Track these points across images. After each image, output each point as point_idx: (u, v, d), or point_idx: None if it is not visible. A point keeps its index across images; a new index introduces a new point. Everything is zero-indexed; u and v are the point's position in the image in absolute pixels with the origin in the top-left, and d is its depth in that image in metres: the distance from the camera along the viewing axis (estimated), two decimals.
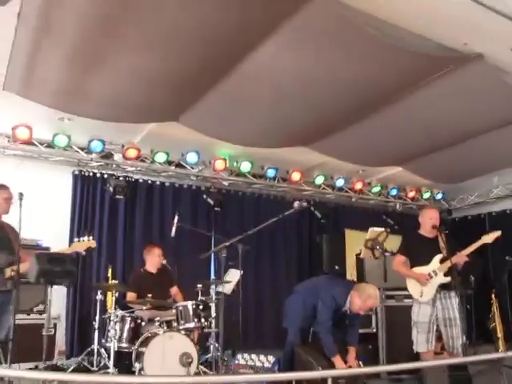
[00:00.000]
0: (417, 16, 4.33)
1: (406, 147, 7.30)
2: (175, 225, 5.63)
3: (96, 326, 5.22)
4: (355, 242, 8.71)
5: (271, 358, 3.92)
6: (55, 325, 5.54)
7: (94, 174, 6.82)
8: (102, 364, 5.03)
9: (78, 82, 5.01)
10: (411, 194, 8.85)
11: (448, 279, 4.70)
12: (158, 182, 7.30)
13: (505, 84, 5.26)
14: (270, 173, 7.47)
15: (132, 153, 6.42)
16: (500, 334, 5.71)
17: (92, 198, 6.77)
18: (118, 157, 6.53)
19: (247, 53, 4.81)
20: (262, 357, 3.99)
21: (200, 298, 5.23)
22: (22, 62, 4.68)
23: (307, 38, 4.57)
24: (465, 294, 5.11)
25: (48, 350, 4.69)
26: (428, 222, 4.94)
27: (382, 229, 4.52)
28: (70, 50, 4.53)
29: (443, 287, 4.78)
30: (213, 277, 5.93)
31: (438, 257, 4.80)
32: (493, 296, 6.00)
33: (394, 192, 8.69)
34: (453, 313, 4.73)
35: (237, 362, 4.15)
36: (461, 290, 4.51)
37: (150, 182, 7.23)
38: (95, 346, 5.17)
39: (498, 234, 4.76)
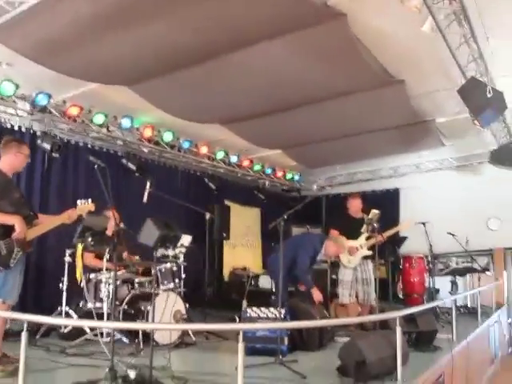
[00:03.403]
0: (385, 49, 5.53)
1: (296, 139, 8.61)
2: (147, 191, 5.74)
3: (64, 287, 5.11)
4: (236, 213, 9.76)
5: (281, 310, 4.69)
6: None
7: (13, 126, 6.25)
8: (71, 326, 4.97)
9: (71, 40, 4.81)
10: (279, 174, 10.22)
11: (370, 252, 6.17)
12: (72, 142, 7.02)
13: (409, 108, 6.94)
14: (185, 144, 7.89)
15: (74, 110, 6.14)
16: None
17: None
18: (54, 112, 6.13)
19: (237, 48, 5.35)
20: (272, 309, 4.75)
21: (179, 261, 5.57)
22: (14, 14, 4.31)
23: (304, 49, 5.37)
24: (390, 261, 6.61)
25: None
26: (354, 208, 6.33)
27: (378, 211, 5.68)
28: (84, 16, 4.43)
29: (364, 257, 6.23)
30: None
31: (365, 235, 6.20)
32: None
33: (268, 171, 9.93)
34: (369, 274, 6.24)
35: (248, 314, 4.79)
36: (388, 257, 6.03)
37: (65, 140, 6.89)
38: (64, 308, 5.08)
39: (410, 223, 6.42)
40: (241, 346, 2.91)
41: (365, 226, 5.81)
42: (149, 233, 3.65)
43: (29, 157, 4.19)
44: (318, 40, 5.22)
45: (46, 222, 4.11)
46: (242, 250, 10.21)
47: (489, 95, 5.20)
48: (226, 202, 9.61)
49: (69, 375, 3.78)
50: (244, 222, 10.26)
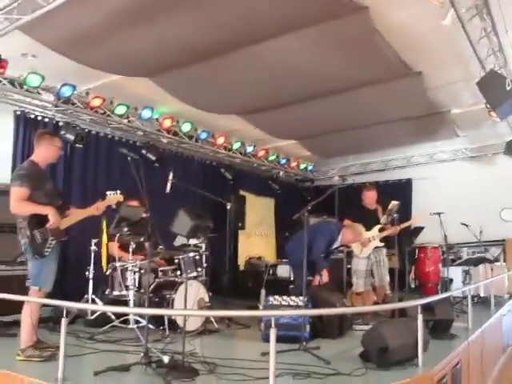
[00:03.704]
0: (405, 41, 5.56)
1: (311, 129, 8.68)
2: (170, 181, 5.85)
3: (90, 276, 5.26)
4: (251, 203, 9.88)
5: (302, 298, 4.83)
6: None
7: (36, 116, 6.39)
8: (99, 313, 5.12)
9: (97, 34, 4.93)
10: (293, 164, 10.31)
11: (382, 244, 6.28)
12: (93, 132, 7.15)
13: (425, 99, 6.99)
14: (203, 135, 7.99)
15: (97, 102, 6.26)
16: None
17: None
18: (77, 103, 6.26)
19: (259, 41, 5.41)
20: (294, 297, 4.89)
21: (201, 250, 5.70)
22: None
23: (324, 41, 5.43)
24: (406, 251, 6.70)
25: None
26: (368, 199, 6.40)
27: (398, 202, 5.81)
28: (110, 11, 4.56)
29: (376, 247, 6.34)
30: None
31: (378, 226, 6.29)
32: None
33: (283, 161, 10.02)
34: (382, 257, 6.35)
35: (270, 303, 4.93)
36: (403, 248, 6.14)
37: (86, 130, 7.02)
38: (90, 296, 5.24)
39: (423, 216, 6.50)
40: (273, 331, 3.02)
41: (384, 217, 5.92)
42: (182, 223, 3.77)
43: (61, 149, 4.31)
44: (339, 32, 5.28)
45: (77, 213, 4.25)
46: (257, 239, 10.35)
47: (508, 88, 5.25)
48: (241, 192, 9.72)
49: (102, 360, 3.92)
50: (258, 212, 10.38)
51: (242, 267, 9.37)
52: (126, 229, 3.94)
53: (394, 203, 5.81)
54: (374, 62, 5.93)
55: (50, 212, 3.92)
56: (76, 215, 4.22)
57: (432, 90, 6.94)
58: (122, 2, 4.48)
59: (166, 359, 3.45)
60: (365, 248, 6.29)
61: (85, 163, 7.01)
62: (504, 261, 9.31)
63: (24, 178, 3.91)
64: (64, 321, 3.24)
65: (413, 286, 8.35)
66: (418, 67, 6.29)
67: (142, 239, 4.76)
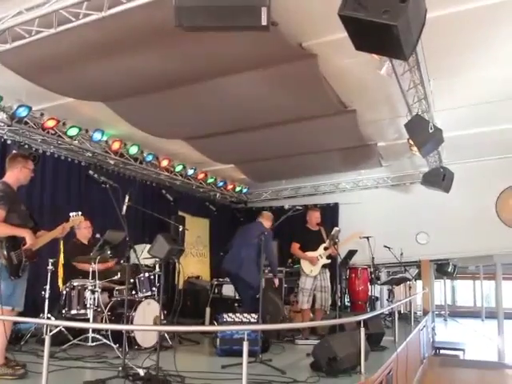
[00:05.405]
0: (345, 83, 6.28)
1: (249, 155, 9.22)
2: (126, 203, 6.01)
3: (47, 295, 5.33)
4: (188, 223, 10.15)
5: (254, 315, 5.24)
6: None
7: None
8: (55, 332, 5.19)
9: (60, 61, 5.12)
10: (229, 187, 10.77)
11: (328, 261, 6.85)
12: (40, 151, 7.17)
13: (357, 133, 7.76)
14: (149, 157, 8.25)
15: (51, 123, 6.35)
16: None
17: None
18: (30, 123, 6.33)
19: (213, 77, 5.86)
20: (246, 314, 5.28)
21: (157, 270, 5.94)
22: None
23: (274, 80, 5.99)
24: (345, 272, 7.31)
25: None
26: (314, 219, 6.98)
27: (339, 228, 6.36)
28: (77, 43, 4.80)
29: (323, 266, 6.90)
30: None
31: (323, 245, 6.87)
32: None
33: (220, 184, 10.44)
34: (326, 283, 6.90)
35: (224, 319, 5.28)
36: (340, 268, 6.76)
37: (34, 149, 7.04)
38: (46, 315, 5.30)
39: (360, 233, 7.21)
40: (245, 344, 3.39)
41: (328, 241, 6.54)
42: (160, 247, 4.07)
43: (33, 171, 4.46)
44: (288, 74, 5.87)
45: (46, 234, 4.40)
46: (192, 259, 10.63)
47: (430, 131, 6.09)
48: (180, 213, 9.99)
49: (73, 376, 4.09)
50: (195, 232, 10.69)
51: (180, 286, 9.57)
52: (109, 251, 4.18)
53: (336, 229, 6.45)
54: (316, 101, 6.57)
55: (27, 235, 4.08)
56: (45, 237, 4.37)
57: (363, 124, 7.72)
58: (89, 34, 4.68)
59: (141, 372, 3.72)
60: (314, 267, 6.82)
61: (31, 182, 6.96)
62: (416, 279, 10.38)
63: (1, 199, 4.03)
64: (47, 338, 3.41)
65: (339, 303, 9.07)
66: (353, 105, 7.04)
67: (122, 261, 4.97)
